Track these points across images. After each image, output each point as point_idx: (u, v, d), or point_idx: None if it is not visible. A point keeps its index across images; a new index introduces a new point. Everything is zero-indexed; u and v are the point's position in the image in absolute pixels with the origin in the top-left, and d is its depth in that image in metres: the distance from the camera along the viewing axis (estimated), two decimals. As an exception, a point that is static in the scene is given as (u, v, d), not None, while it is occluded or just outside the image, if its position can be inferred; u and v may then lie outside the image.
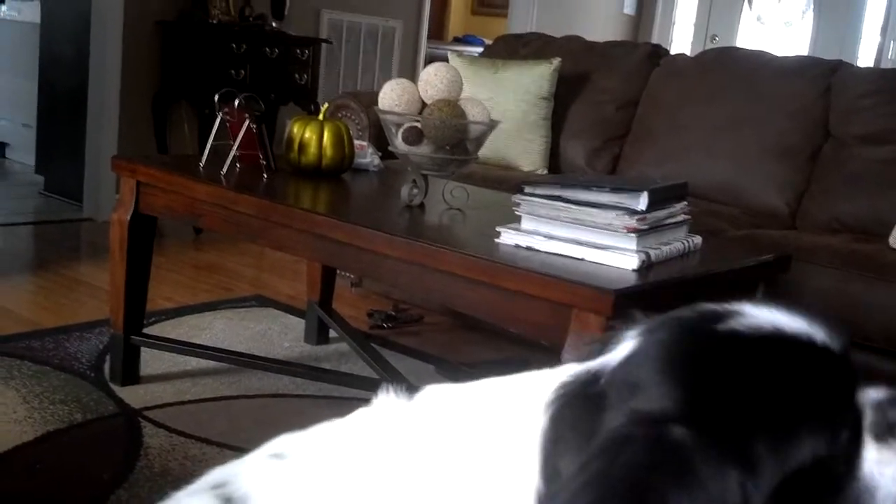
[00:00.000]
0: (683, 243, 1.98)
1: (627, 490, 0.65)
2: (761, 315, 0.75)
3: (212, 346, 2.86)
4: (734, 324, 0.74)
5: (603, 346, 0.79)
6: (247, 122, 2.32)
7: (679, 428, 0.68)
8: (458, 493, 0.73)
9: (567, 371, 0.78)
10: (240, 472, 0.79)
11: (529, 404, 0.75)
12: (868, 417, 0.74)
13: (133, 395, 2.50)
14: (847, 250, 2.70)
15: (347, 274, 3.53)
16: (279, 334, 3.12)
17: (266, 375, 2.69)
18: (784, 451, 0.69)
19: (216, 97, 2.46)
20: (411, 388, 0.82)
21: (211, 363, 2.72)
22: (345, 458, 0.77)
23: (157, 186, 2.39)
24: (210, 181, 2.27)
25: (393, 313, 3.38)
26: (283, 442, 0.82)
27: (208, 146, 2.44)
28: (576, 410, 0.73)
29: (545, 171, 3.68)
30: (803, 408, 0.70)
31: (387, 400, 0.82)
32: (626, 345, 0.76)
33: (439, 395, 0.81)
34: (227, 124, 2.44)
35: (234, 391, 2.60)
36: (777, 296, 2.11)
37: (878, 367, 2.54)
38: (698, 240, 2.03)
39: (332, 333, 3.05)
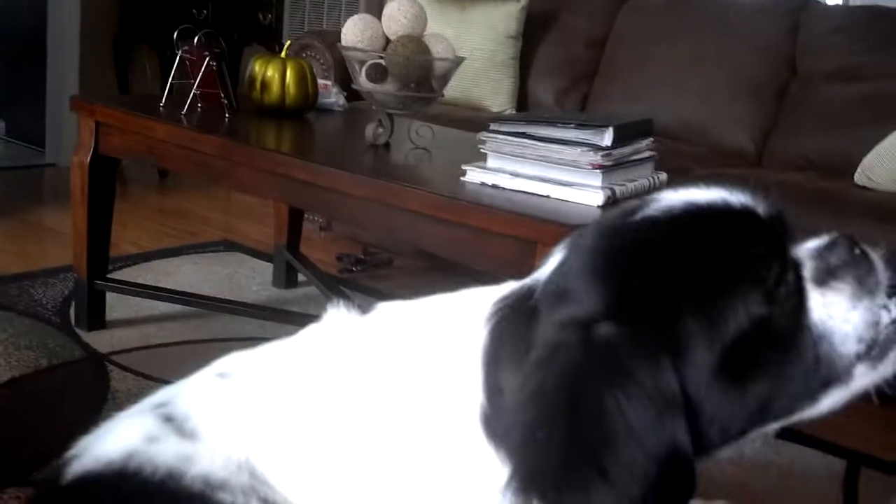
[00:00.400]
0: (649, 180, 1.97)
1: (563, 401, 0.65)
2: (675, 196, 0.74)
3: (178, 290, 2.83)
4: (647, 210, 0.73)
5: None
6: (207, 60, 2.27)
7: (606, 325, 0.67)
8: (402, 410, 0.73)
9: (506, 287, 0.78)
10: (183, 391, 0.79)
11: (471, 320, 0.75)
12: (808, 266, 0.73)
13: (99, 340, 2.48)
14: (813, 187, 2.72)
15: (316, 217, 3.50)
16: (247, 278, 3.10)
17: (234, 319, 2.67)
18: (716, 321, 0.67)
19: (175, 35, 2.40)
20: (363, 305, 0.82)
21: (178, 308, 2.70)
22: (288, 377, 0.77)
23: (116, 127, 2.34)
24: (170, 121, 2.23)
25: (362, 257, 3.37)
26: (230, 361, 0.81)
27: (168, 85, 2.39)
28: (512, 324, 0.73)
29: (514, 111, 3.65)
30: (725, 272, 0.69)
31: (336, 317, 0.81)
32: (555, 256, 0.76)
33: (388, 312, 0.80)
34: (187, 63, 2.39)
35: (202, 335, 2.59)
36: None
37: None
38: (664, 176, 2.02)
39: (301, 277, 3.04)
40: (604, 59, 3.70)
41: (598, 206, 1.79)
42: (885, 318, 0.72)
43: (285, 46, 2.53)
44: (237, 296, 2.90)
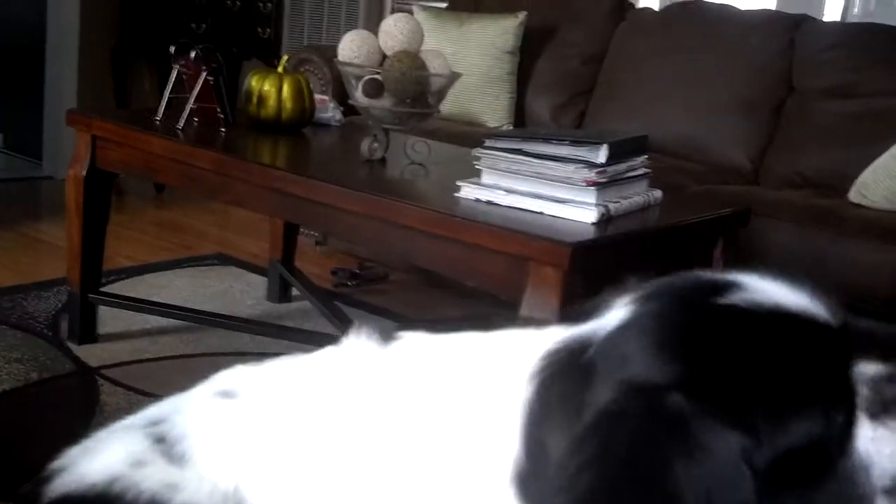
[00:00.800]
0: (643, 197, 1.97)
1: (629, 466, 0.62)
2: (759, 289, 0.72)
3: (172, 304, 2.82)
4: (733, 298, 0.71)
5: (592, 311, 0.75)
6: (203, 75, 2.27)
7: (677, 396, 0.65)
8: (422, 458, 0.68)
9: (553, 336, 0.73)
10: (181, 408, 0.75)
11: (512, 369, 0.70)
12: (863, 394, 0.72)
13: (90, 354, 2.47)
14: (807, 205, 2.72)
15: (312, 232, 3.49)
16: (241, 293, 3.09)
17: (227, 334, 2.66)
18: (779, 430, 0.66)
19: (172, 49, 2.40)
20: (385, 332, 0.77)
21: (171, 322, 2.69)
22: (297, 404, 0.72)
23: (113, 141, 2.34)
24: (166, 135, 2.23)
25: (357, 271, 3.36)
26: (234, 378, 0.77)
27: (164, 99, 2.39)
28: (563, 382, 0.69)
29: (511, 127, 3.65)
30: (801, 388, 0.68)
31: (356, 342, 0.76)
32: (617, 312, 0.72)
33: (414, 344, 0.76)
34: (184, 77, 2.38)
35: (194, 349, 2.58)
36: (736, 250, 2.12)
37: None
38: (658, 194, 2.02)
39: (296, 292, 3.03)
40: (601, 76, 3.70)
41: (592, 223, 1.78)
42: None
43: (282, 61, 2.53)
44: (231, 310, 2.89)
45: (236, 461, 0.70)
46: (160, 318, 2.69)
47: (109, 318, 2.66)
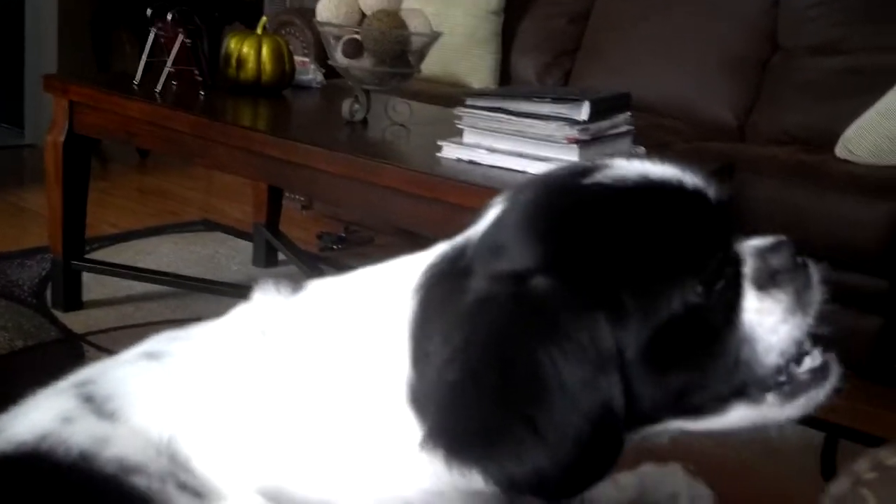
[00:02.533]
0: (627, 154, 1.96)
1: (491, 352, 0.63)
2: (629, 165, 0.71)
3: (157, 270, 2.81)
4: (599, 176, 0.71)
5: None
6: (180, 37, 2.24)
7: (542, 279, 0.64)
8: (326, 389, 0.71)
9: (437, 250, 0.75)
10: (107, 370, 0.76)
11: (401, 289, 0.72)
12: (749, 265, 0.71)
13: (76, 321, 2.46)
14: (793, 161, 2.71)
15: (297, 196, 3.47)
16: (226, 258, 3.08)
17: (213, 299, 2.65)
18: (652, 298, 0.65)
19: (149, 12, 2.36)
20: (295, 283, 0.79)
21: (156, 287, 2.68)
22: (215, 359, 0.75)
23: (90, 106, 2.31)
24: (143, 98, 2.20)
25: (343, 235, 3.35)
26: (159, 341, 0.79)
27: (142, 63, 2.36)
28: (442, 288, 0.71)
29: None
30: (669, 255, 0.67)
31: (265, 297, 0.79)
32: (491, 211, 0.74)
33: (317, 290, 0.78)
34: (162, 40, 2.35)
35: (180, 315, 2.57)
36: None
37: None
38: (641, 151, 2.01)
39: (281, 256, 3.02)
40: (586, 35, 3.67)
41: (575, 181, 1.77)
42: (808, 362, 0.71)
43: (260, 23, 2.50)
44: (216, 275, 2.88)
45: (167, 416, 0.71)
46: (145, 284, 2.67)
47: (94, 285, 2.65)
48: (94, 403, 0.73)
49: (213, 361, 0.74)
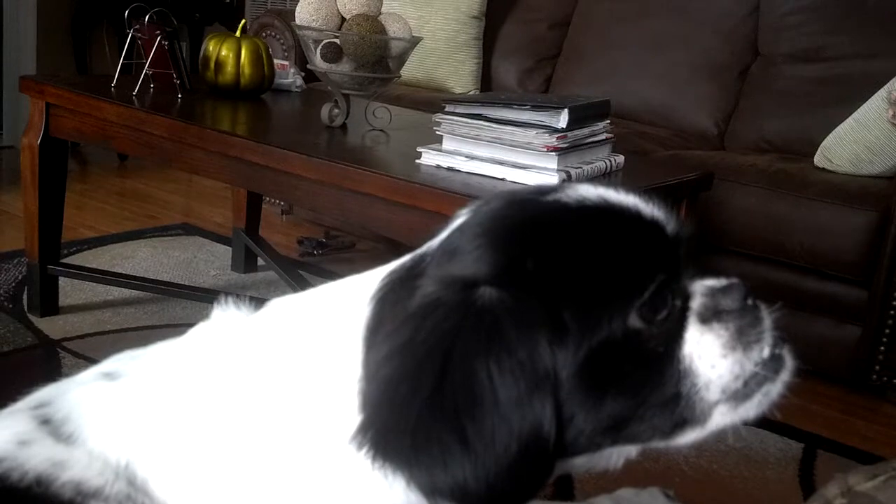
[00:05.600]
0: (606, 162, 1.96)
1: (429, 355, 0.62)
2: (591, 189, 0.72)
3: (135, 274, 2.79)
4: (560, 195, 0.71)
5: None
6: (158, 40, 2.22)
7: (489, 289, 0.64)
8: (284, 407, 0.69)
9: (399, 260, 0.75)
10: (65, 391, 0.75)
11: (360, 299, 0.72)
12: (697, 301, 0.72)
13: (52, 326, 2.44)
14: (772, 169, 2.71)
15: (277, 201, 3.46)
16: (205, 262, 3.06)
17: (191, 304, 2.64)
18: (594, 319, 0.65)
19: (126, 13, 2.34)
20: (256, 300, 0.79)
21: (134, 293, 2.66)
22: (173, 380, 0.73)
23: (66, 108, 2.29)
24: (120, 101, 2.18)
25: (324, 240, 3.33)
26: (118, 361, 0.77)
27: (119, 65, 2.33)
28: (397, 292, 0.70)
29: (477, 92, 3.62)
30: (615, 278, 0.67)
31: (224, 315, 0.78)
32: (453, 222, 0.74)
33: (277, 307, 0.77)
34: (140, 42, 2.33)
35: (157, 321, 2.55)
36: (700, 214, 2.12)
37: (801, 285, 2.58)
38: (621, 159, 2.01)
39: (261, 262, 3.00)
40: (567, 41, 3.67)
41: (553, 189, 1.76)
42: (751, 369, 0.71)
43: (240, 25, 2.48)
44: (195, 280, 2.86)
45: (125, 438, 0.70)
46: (123, 288, 2.65)
47: (71, 290, 2.62)
48: (50, 426, 0.71)
49: (170, 382, 0.73)
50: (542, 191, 0.72)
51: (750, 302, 0.72)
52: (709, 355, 0.69)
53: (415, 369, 0.63)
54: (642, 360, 0.67)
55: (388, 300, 0.70)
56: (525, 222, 0.70)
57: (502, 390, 0.62)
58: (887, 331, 2.46)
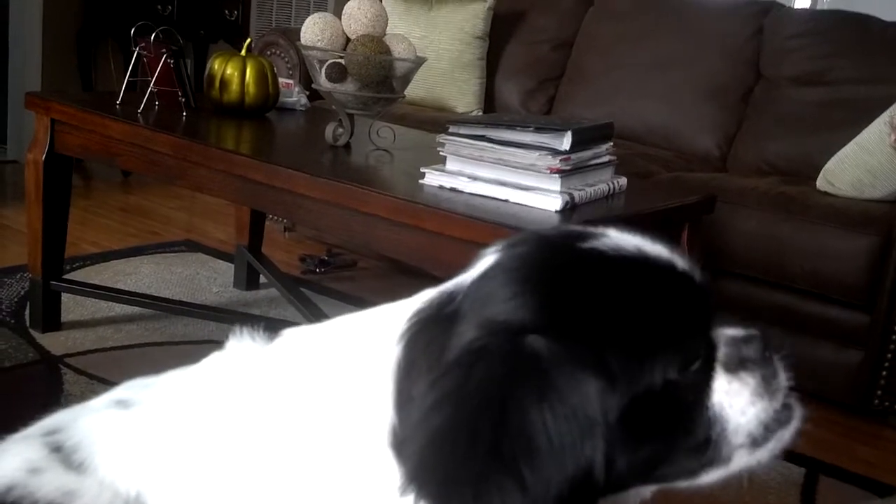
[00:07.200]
0: (608, 185, 1.96)
1: (484, 405, 0.63)
2: (624, 238, 0.73)
3: (137, 291, 2.79)
4: (596, 243, 0.72)
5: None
6: (164, 58, 2.24)
7: (537, 338, 0.66)
8: (306, 441, 0.69)
9: (424, 297, 0.75)
10: (76, 419, 0.75)
11: (384, 336, 0.72)
12: (722, 351, 0.74)
13: (54, 342, 2.44)
14: (774, 192, 2.72)
15: (280, 219, 3.46)
16: (208, 279, 3.06)
17: (193, 321, 2.64)
18: (636, 370, 0.67)
19: (132, 31, 2.36)
20: (270, 330, 0.79)
21: (136, 309, 2.66)
22: (187, 410, 0.73)
23: (71, 125, 2.29)
24: (125, 119, 2.19)
25: (326, 258, 3.34)
26: (130, 389, 0.77)
27: (125, 83, 2.34)
28: (429, 333, 0.70)
29: (480, 113, 3.63)
30: (659, 329, 0.69)
31: (239, 345, 0.78)
32: (484, 260, 0.74)
33: (293, 338, 0.77)
34: (145, 60, 2.34)
35: (159, 338, 2.54)
36: (702, 237, 2.12)
37: (802, 309, 2.58)
38: (623, 181, 2.01)
39: (263, 279, 3.00)
40: (570, 62, 3.69)
41: (556, 211, 1.77)
42: (773, 410, 0.74)
43: (245, 44, 2.49)
44: (197, 297, 2.86)
45: (136, 468, 0.70)
46: (125, 305, 2.65)
47: (74, 306, 2.63)
48: (61, 453, 0.72)
49: (184, 412, 0.73)
50: (573, 235, 0.73)
51: (767, 353, 0.75)
52: (739, 403, 0.72)
53: (469, 419, 0.63)
54: (677, 407, 0.70)
55: (420, 341, 0.70)
56: (566, 269, 0.71)
57: (557, 436, 0.64)
58: (889, 355, 2.46)
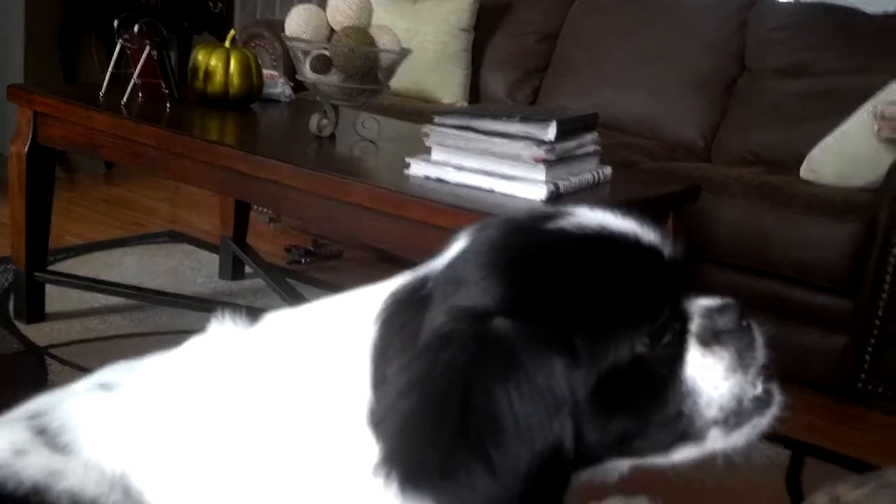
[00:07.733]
0: (593, 174, 1.97)
1: (451, 388, 0.64)
2: (590, 215, 0.74)
3: (121, 282, 2.78)
4: (561, 222, 0.72)
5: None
6: (147, 49, 2.23)
7: (502, 320, 0.67)
8: (286, 420, 0.70)
9: (400, 280, 0.76)
10: (60, 401, 0.75)
11: (361, 318, 0.73)
12: (695, 323, 0.74)
13: (38, 333, 2.43)
14: (758, 182, 2.73)
15: (265, 209, 3.46)
16: (192, 270, 3.05)
17: (177, 312, 2.63)
18: (601, 346, 0.68)
19: (116, 23, 2.35)
20: (252, 313, 0.79)
21: (120, 300, 2.65)
22: (170, 391, 0.74)
23: (54, 116, 2.29)
24: (108, 110, 2.18)
25: (311, 248, 3.33)
26: (113, 372, 0.78)
27: (108, 74, 2.34)
28: (403, 315, 0.72)
29: (465, 104, 3.63)
30: (622, 304, 0.70)
31: (221, 328, 0.78)
32: (455, 245, 0.75)
33: (274, 321, 0.78)
34: (128, 51, 2.33)
35: (144, 328, 2.54)
36: (686, 226, 2.13)
37: (787, 296, 2.60)
38: (608, 171, 2.02)
39: (248, 269, 3.00)
40: (556, 53, 3.69)
41: (542, 201, 1.78)
42: (750, 393, 0.74)
43: (229, 35, 2.48)
44: (181, 288, 2.86)
45: (121, 449, 0.71)
46: (110, 296, 2.65)
47: (58, 297, 2.62)
48: (46, 436, 0.72)
49: (166, 395, 0.73)
50: (540, 216, 0.74)
51: (745, 322, 0.75)
52: (712, 377, 0.73)
53: (437, 403, 0.65)
54: (648, 381, 0.71)
55: (394, 323, 0.72)
56: (531, 252, 0.72)
57: (523, 415, 0.65)
58: (873, 340, 2.48)
